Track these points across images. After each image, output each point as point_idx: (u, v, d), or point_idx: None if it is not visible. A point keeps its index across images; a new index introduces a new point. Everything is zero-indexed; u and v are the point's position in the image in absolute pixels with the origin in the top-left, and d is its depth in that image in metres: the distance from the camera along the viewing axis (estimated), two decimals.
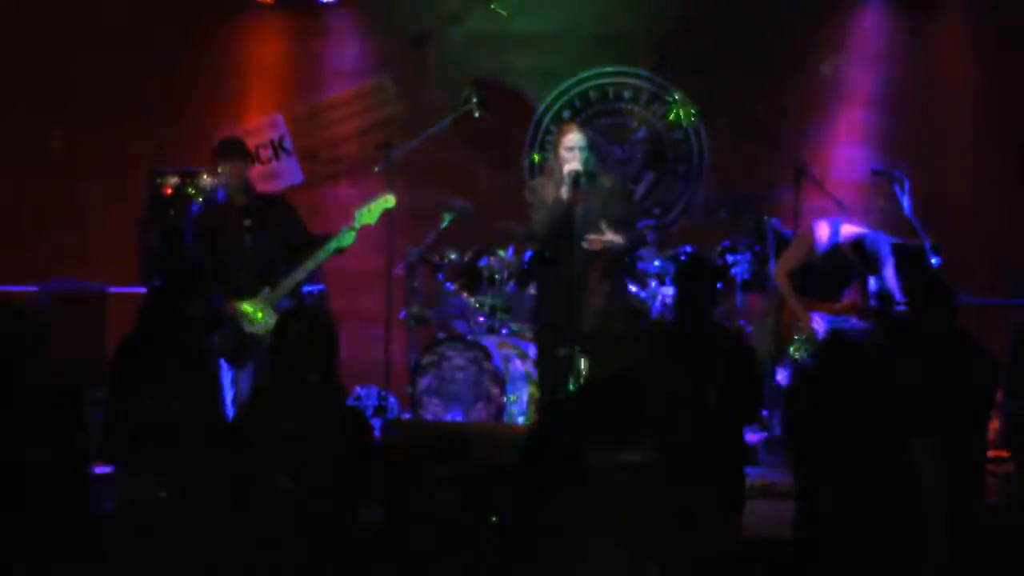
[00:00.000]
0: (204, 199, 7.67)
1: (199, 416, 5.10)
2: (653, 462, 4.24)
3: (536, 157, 9.19)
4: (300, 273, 6.79)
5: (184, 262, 7.38)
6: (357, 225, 6.84)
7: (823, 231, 7.13)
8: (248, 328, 6.80)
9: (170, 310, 5.75)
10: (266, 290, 6.72)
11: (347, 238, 6.81)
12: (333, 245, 6.79)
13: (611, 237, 6.40)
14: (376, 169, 8.09)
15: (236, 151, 6.95)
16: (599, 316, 6.36)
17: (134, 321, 5.85)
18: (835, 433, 4.81)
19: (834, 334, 5.33)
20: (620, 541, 3.39)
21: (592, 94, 9.29)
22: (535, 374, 7.27)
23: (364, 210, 6.88)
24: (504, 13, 8.98)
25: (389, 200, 6.98)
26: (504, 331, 7.87)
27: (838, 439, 4.80)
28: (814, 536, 4.90)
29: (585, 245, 6.37)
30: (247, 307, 6.74)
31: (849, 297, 7.29)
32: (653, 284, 7.88)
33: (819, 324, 7.09)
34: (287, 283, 6.77)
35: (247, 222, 6.84)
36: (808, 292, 7.16)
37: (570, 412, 4.76)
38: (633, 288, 7.53)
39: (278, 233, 6.87)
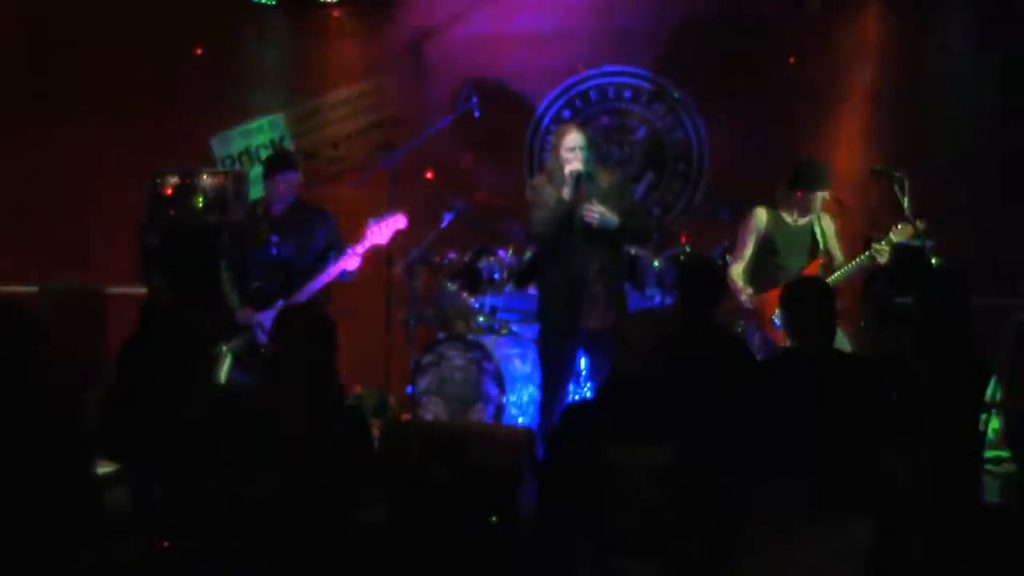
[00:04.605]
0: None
1: (199, 417, 5.11)
2: (671, 464, 4.25)
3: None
4: (307, 289, 6.88)
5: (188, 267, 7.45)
6: (369, 245, 6.99)
7: (761, 214, 7.12)
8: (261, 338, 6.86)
9: (171, 313, 5.76)
10: (280, 302, 6.76)
11: (351, 262, 6.92)
12: (336, 265, 6.91)
13: (604, 210, 6.39)
14: (376, 169, 8.11)
15: (288, 163, 7.10)
16: (599, 316, 6.37)
17: (137, 321, 5.87)
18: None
19: (784, 350, 5.32)
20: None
21: (592, 94, 9.28)
22: (535, 374, 7.27)
23: (377, 227, 6.98)
24: None
25: (400, 220, 7.07)
26: (504, 331, 7.86)
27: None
28: None
29: (584, 217, 6.37)
30: None
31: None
32: (651, 284, 7.86)
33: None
34: (298, 298, 6.86)
35: (277, 234, 6.94)
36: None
37: (590, 413, 4.76)
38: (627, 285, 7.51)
39: (303, 243, 6.96)
